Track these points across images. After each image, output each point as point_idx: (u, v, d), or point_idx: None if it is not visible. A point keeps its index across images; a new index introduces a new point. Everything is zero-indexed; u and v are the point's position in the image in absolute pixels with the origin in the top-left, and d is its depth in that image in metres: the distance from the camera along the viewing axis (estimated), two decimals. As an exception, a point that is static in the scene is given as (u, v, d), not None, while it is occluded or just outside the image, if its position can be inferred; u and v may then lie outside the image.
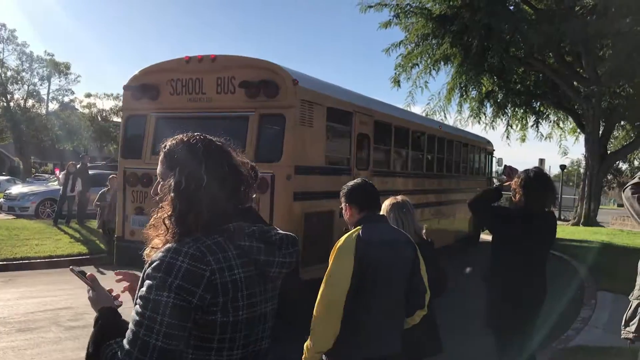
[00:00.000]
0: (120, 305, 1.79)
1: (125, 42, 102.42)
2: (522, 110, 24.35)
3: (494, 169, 16.36)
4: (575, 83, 21.81)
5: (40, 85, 45.71)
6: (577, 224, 22.14)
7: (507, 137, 24.69)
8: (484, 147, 15.92)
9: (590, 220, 21.74)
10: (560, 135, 25.73)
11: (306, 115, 6.79)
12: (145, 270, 1.54)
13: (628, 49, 18.50)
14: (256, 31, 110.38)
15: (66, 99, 50.45)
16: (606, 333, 3.36)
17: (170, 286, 1.45)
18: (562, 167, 32.92)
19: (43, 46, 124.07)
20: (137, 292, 1.54)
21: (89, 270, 2.02)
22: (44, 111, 46.34)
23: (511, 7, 20.52)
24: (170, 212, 1.58)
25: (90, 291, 1.78)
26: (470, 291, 4.60)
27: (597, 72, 20.47)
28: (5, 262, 9.91)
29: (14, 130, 40.33)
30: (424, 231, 3.81)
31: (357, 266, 2.78)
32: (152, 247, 1.61)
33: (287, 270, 1.73)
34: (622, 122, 23.68)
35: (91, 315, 1.74)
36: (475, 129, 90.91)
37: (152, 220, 1.65)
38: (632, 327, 3.28)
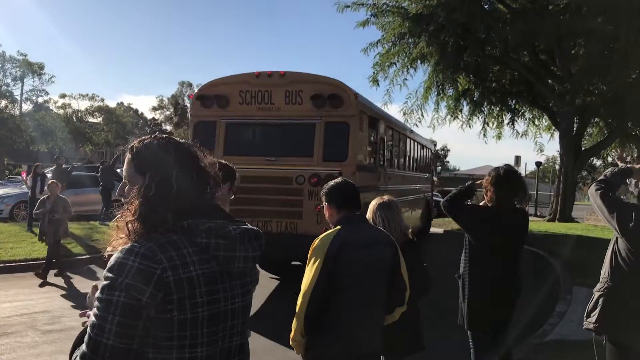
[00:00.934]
0: None
1: (101, 41, 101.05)
2: (498, 108, 24.53)
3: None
4: (549, 81, 22.10)
5: (14, 85, 45.11)
6: (552, 219, 22.43)
7: (484, 134, 24.86)
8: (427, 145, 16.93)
9: (565, 216, 22.03)
10: (536, 132, 25.94)
11: (362, 122, 8.26)
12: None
13: (600, 47, 18.82)
14: (230, 29, 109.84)
15: (40, 100, 49.83)
16: (581, 327, 3.44)
17: (120, 285, 1.46)
18: (538, 164, 33.41)
19: (16, 46, 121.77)
20: None
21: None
22: (17, 112, 45.60)
23: (486, 7, 20.72)
24: (135, 216, 1.57)
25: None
26: (450, 289, 4.66)
27: (570, 71, 20.78)
28: (-21, 266, 9.70)
29: (-14, 132, 39.66)
30: (409, 230, 3.86)
31: (333, 266, 2.81)
32: (114, 248, 1.61)
33: (253, 264, 1.72)
34: (596, 119, 23.99)
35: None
36: (453, 126, 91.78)
37: (115, 221, 1.65)
38: (593, 318, 3.37)
